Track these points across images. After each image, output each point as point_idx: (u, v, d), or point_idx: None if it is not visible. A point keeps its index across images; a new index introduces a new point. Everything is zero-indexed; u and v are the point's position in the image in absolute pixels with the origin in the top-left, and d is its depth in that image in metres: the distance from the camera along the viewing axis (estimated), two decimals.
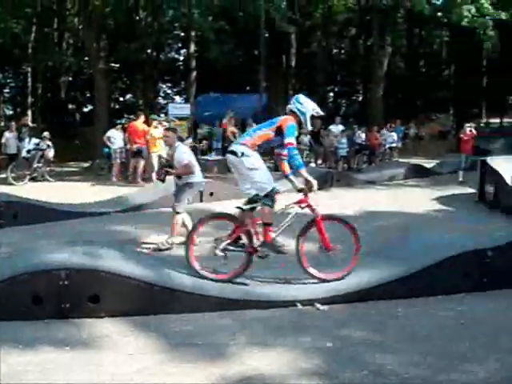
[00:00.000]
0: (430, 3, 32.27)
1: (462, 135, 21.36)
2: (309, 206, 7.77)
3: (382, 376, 5.19)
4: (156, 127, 19.17)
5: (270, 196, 7.53)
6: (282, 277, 7.66)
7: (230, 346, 5.82)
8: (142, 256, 7.96)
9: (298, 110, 7.56)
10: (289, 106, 7.70)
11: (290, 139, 7.33)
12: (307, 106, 7.62)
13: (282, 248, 7.55)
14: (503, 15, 32.98)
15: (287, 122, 7.39)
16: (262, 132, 7.46)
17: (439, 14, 39.41)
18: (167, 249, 9.89)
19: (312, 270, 7.39)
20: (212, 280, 7.06)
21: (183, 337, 6.02)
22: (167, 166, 10.34)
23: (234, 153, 7.38)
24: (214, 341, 5.93)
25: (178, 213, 10.03)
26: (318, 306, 6.89)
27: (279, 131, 7.35)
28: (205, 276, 7.07)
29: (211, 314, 6.64)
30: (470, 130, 20.84)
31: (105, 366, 5.32)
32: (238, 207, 7.70)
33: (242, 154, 7.29)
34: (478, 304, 7.34)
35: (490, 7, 32.51)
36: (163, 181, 10.32)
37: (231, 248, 7.39)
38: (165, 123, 19.54)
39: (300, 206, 7.80)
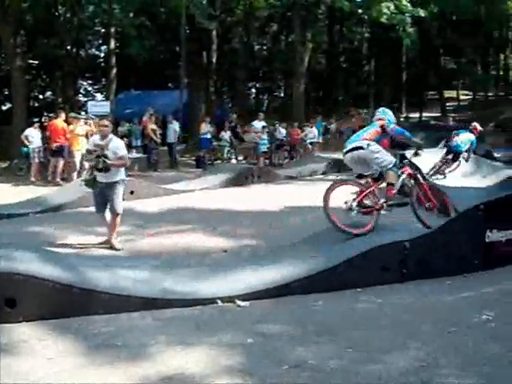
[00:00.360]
0: (350, 0, 32.65)
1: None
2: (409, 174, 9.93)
3: (303, 370, 5.19)
4: (81, 125, 18.86)
5: (394, 165, 9.53)
6: (202, 274, 7.64)
7: (151, 346, 5.73)
8: (60, 257, 7.79)
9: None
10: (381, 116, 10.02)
11: (394, 124, 9.94)
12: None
13: (403, 200, 9.68)
14: (422, 12, 33.81)
15: (384, 121, 9.74)
16: (373, 130, 9.60)
17: (359, 10, 40.05)
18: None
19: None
20: (357, 235, 8.47)
21: (103, 338, 5.90)
22: (102, 155, 9.98)
23: (359, 148, 9.33)
24: (134, 341, 5.83)
25: (118, 214, 9.89)
26: (239, 302, 6.88)
27: (383, 129, 9.58)
28: (348, 231, 8.53)
29: (131, 315, 6.53)
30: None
31: (23, 371, 5.15)
32: (360, 175, 9.80)
33: (368, 145, 9.24)
34: (396, 295, 7.46)
35: (408, 4, 33.27)
36: (102, 169, 10.04)
37: (365, 204, 9.22)
38: (90, 121, 19.22)
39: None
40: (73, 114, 21.28)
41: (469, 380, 4.99)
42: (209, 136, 24.59)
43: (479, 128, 19.41)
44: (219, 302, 6.87)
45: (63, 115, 19.87)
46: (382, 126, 9.71)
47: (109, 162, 9.89)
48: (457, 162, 18.29)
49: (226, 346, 5.75)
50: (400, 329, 6.26)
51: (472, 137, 18.80)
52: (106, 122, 10.57)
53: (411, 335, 6.05)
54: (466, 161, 18.64)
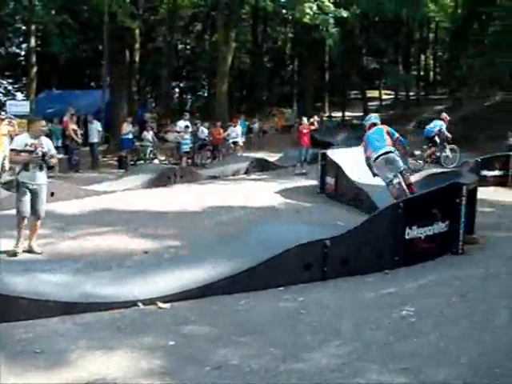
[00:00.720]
0: (273, 0, 32.87)
1: (300, 128, 21.97)
2: None
3: (224, 371, 5.19)
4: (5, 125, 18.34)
5: (406, 170, 11.63)
6: (123, 276, 7.56)
7: (72, 351, 5.61)
8: None
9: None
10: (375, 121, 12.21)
11: (397, 134, 12.05)
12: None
13: None
14: (344, 13, 34.30)
15: (387, 128, 11.83)
16: (389, 138, 11.51)
17: (283, 10, 40.39)
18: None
19: None
20: None
21: (22, 345, 5.74)
22: (44, 154, 9.57)
23: (389, 152, 11.27)
24: (54, 347, 5.69)
25: (41, 217, 9.66)
26: (160, 304, 6.83)
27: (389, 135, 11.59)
28: None
29: (51, 320, 6.36)
30: (312, 123, 21.49)
31: None
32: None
33: (394, 150, 11.38)
34: (318, 293, 7.53)
35: (331, 5, 33.75)
36: (50, 168, 9.74)
37: None
38: (13, 121, 18.71)
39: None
40: None
41: (390, 375, 5.09)
42: (130, 136, 24.21)
43: (448, 117, 21.98)
44: (140, 304, 6.79)
45: None
46: (387, 133, 11.63)
47: (52, 160, 9.71)
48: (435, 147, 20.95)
49: (147, 348, 5.69)
50: (322, 327, 6.33)
51: (441, 122, 21.34)
52: (43, 123, 10.30)
53: (333, 333, 6.13)
54: (444, 141, 20.94)
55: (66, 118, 22.53)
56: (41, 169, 9.55)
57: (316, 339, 5.99)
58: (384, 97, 59.32)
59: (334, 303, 7.14)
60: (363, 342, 5.91)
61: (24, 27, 43.90)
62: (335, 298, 7.36)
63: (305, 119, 22.79)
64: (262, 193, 16.64)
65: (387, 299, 7.33)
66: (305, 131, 21.67)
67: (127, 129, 24.18)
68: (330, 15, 33.97)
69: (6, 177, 9.83)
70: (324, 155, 16.90)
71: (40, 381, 5.02)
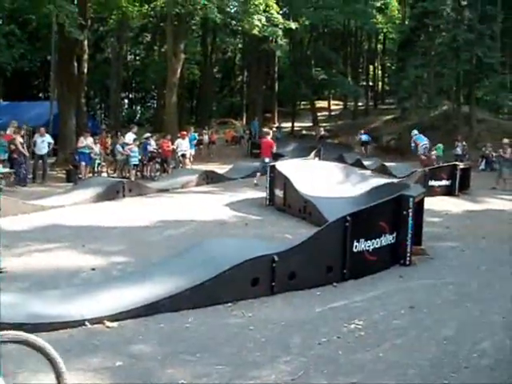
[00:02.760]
0: (222, 12, 32.96)
1: (264, 139, 21.95)
2: None
3: None
4: None
5: None
6: (70, 295, 7.49)
7: (17, 374, 5.54)
8: None
9: None
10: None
11: None
12: None
13: None
14: (293, 25, 34.63)
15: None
16: None
17: (233, 22, 40.52)
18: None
19: None
20: None
21: None
22: None
23: None
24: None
25: None
26: (108, 323, 6.77)
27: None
28: None
29: None
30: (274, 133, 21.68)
31: None
32: None
33: None
34: (267, 309, 7.58)
35: (279, 17, 34.00)
36: None
37: None
38: None
39: None
40: None
41: None
42: (87, 150, 23.59)
43: None
44: (88, 323, 6.72)
45: None
46: None
47: None
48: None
49: (94, 370, 5.64)
50: (270, 343, 6.37)
51: None
52: None
53: (282, 349, 6.17)
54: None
55: (8, 132, 22.10)
56: None
57: (265, 355, 6.02)
58: (333, 107, 59.93)
59: (283, 318, 7.18)
60: (312, 356, 5.97)
61: None
62: (284, 313, 7.40)
63: (274, 129, 22.91)
64: (212, 206, 16.65)
65: (336, 313, 7.42)
66: (267, 141, 21.65)
67: (84, 142, 23.64)
68: (279, 27, 34.25)
69: None
70: (273, 167, 16.98)
71: None
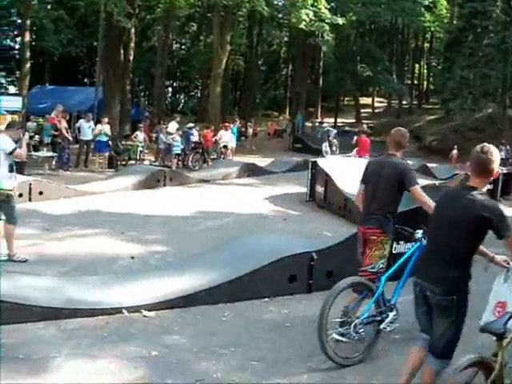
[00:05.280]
0: (269, 5, 32.87)
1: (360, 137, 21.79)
2: None
3: (207, 383, 5.20)
4: None
5: None
6: (109, 282, 7.54)
7: (54, 358, 5.60)
8: None
9: None
10: None
11: None
12: None
13: None
14: (340, 20, 34.36)
15: None
16: None
17: (279, 15, 40.39)
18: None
19: None
20: None
21: (5, 351, 5.70)
22: None
23: None
24: (37, 354, 5.67)
25: None
26: (145, 312, 6.82)
27: None
28: None
29: (35, 325, 6.34)
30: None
31: None
32: None
33: None
34: (303, 306, 7.55)
35: (327, 12, 33.75)
36: None
37: None
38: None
39: None
40: None
41: None
42: (104, 139, 22.72)
43: None
44: (125, 312, 6.78)
45: None
46: None
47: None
48: None
49: (130, 358, 5.69)
50: (305, 341, 6.33)
51: None
52: None
53: (316, 347, 6.11)
54: None
55: (52, 115, 22.24)
56: None
57: (299, 353, 6.00)
58: (377, 104, 59.51)
59: None
60: None
61: (19, 21, 43.71)
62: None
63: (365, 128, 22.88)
64: (251, 199, 16.62)
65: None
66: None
67: (99, 128, 22.82)
68: (326, 22, 34.06)
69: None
70: (314, 163, 16.90)
71: None
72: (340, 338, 5.75)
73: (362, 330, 5.84)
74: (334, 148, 30.38)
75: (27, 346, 5.84)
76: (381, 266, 6.41)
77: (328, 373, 5.54)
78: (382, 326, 5.99)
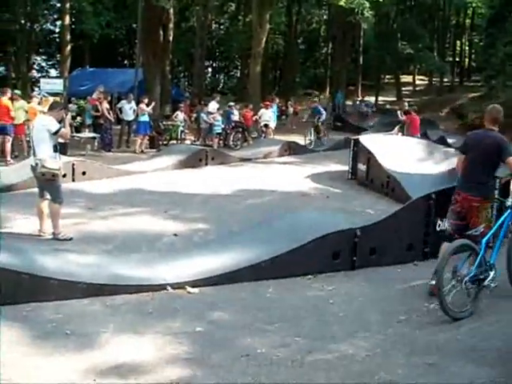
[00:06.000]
0: None
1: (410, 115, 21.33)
2: None
3: (251, 359, 5.19)
4: (40, 103, 18.46)
5: None
6: (152, 259, 7.60)
7: (100, 333, 5.66)
8: (8, 242, 7.63)
9: None
10: None
11: None
12: None
13: None
14: None
15: None
16: None
17: None
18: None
19: None
20: None
21: (52, 326, 5.80)
22: None
23: None
24: (84, 329, 5.75)
25: None
26: (189, 289, 6.85)
27: None
28: None
29: (81, 301, 6.43)
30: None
31: None
32: None
33: None
34: (347, 283, 7.53)
35: None
36: None
37: None
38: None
39: None
40: (17, 92, 20.79)
41: (415, 370, 5.04)
42: (146, 119, 22.48)
43: None
44: (169, 288, 6.82)
45: (9, 93, 19.35)
46: None
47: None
48: None
49: (174, 334, 5.72)
50: (349, 318, 6.33)
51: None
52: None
53: (360, 324, 6.11)
54: None
55: (94, 96, 22.40)
56: None
57: (343, 330, 5.98)
58: (418, 82, 58.84)
59: (363, 294, 7.12)
60: (390, 334, 5.89)
61: (59, 4, 44.04)
62: (363, 289, 7.33)
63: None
64: (293, 177, 16.57)
65: (416, 292, 7.27)
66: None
67: (143, 108, 22.56)
68: None
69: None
70: (356, 141, 16.78)
71: (70, 361, 5.07)
72: (453, 293, 6.23)
73: (470, 287, 6.39)
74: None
75: (74, 322, 5.91)
76: (482, 229, 6.96)
77: (373, 349, 5.48)
78: (485, 283, 6.54)
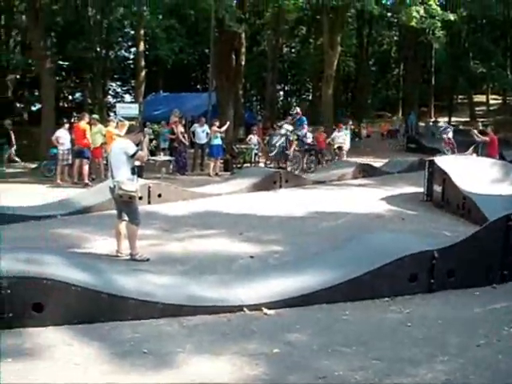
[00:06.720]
0: (379, 3, 32.52)
1: (488, 136, 20.98)
2: None
3: (329, 381, 5.16)
4: (116, 127, 18.89)
5: None
6: (229, 281, 7.64)
7: (177, 353, 5.72)
8: (88, 262, 7.81)
9: None
10: None
11: None
12: None
13: None
14: (451, 16, 33.50)
15: None
16: None
17: (389, 14, 39.89)
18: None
19: None
20: None
21: (130, 345, 5.89)
22: None
23: None
24: (160, 349, 5.82)
25: None
26: (265, 310, 6.85)
27: None
28: None
29: (158, 321, 6.52)
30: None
31: (49, 377, 5.15)
32: None
33: None
34: (425, 306, 7.40)
35: (438, 8, 33.01)
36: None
37: None
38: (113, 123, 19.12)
39: None
40: (95, 116, 21.33)
41: None
42: (219, 142, 22.68)
43: None
44: (246, 309, 6.85)
45: (87, 118, 19.92)
46: None
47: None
48: None
49: (251, 355, 5.72)
50: (428, 341, 6.20)
51: None
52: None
53: (439, 348, 5.99)
54: None
55: (172, 120, 22.79)
56: None
57: (422, 353, 5.87)
58: (491, 101, 57.85)
59: (441, 317, 6.98)
60: (470, 358, 5.75)
61: (132, 32, 45.09)
62: (441, 312, 7.19)
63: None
64: (367, 199, 16.42)
65: (495, 315, 7.12)
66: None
67: (217, 130, 22.65)
68: (437, 18, 33.33)
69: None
70: (431, 162, 16.56)
71: (148, 381, 5.14)
72: None
73: None
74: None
75: (151, 342, 5.99)
76: None
77: (452, 373, 5.37)
78: None
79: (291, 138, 19.51)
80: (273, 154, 22.86)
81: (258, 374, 5.30)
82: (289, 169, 23.01)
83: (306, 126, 19.35)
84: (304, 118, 20.35)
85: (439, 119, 47.47)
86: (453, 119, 50.05)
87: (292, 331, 6.39)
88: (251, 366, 5.48)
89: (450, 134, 27.34)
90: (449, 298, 7.74)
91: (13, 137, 24.82)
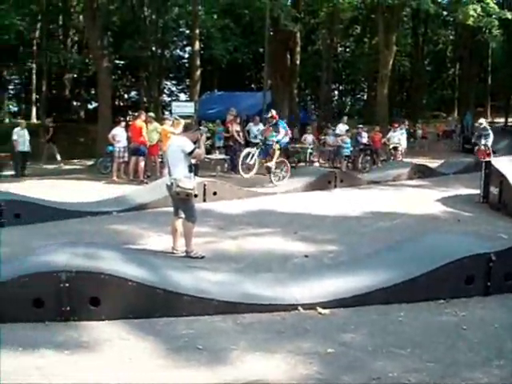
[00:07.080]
0: (435, 2, 32.16)
1: None
2: None
3: (382, 382, 5.15)
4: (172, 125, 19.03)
5: None
6: (284, 279, 7.65)
7: (231, 350, 5.79)
8: (144, 258, 7.91)
9: None
10: None
11: None
12: None
13: None
14: (509, 15, 32.91)
15: None
16: None
17: (444, 12, 39.41)
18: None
19: None
20: None
21: (184, 341, 5.98)
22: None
23: None
24: (215, 345, 5.89)
25: None
26: (320, 310, 6.85)
27: None
28: None
29: (212, 318, 6.59)
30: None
31: (104, 370, 5.28)
32: None
33: None
34: (480, 309, 7.28)
35: (495, 6, 32.52)
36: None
37: None
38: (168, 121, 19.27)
39: None
40: (151, 114, 21.55)
41: None
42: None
43: None
44: (300, 308, 6.85)
45: (143, 116, 20.17)
46: None
47: None
48: None
49: (305, 354, 5.74)
50: (484, 344, 6.13)
51: None
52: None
53: (495, 352, 5.91)
54: None
55: (229, 119, 22.88)
56: None
57: (477, 357, 5.81)
58: None
59: (497, 320, 6.87)
60: None
61: (188, 31, 45.46)
62: (498, 316, 7.07)
63: None
64: (423, 200, 16.24)
65: None
66: None
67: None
68: (494, 17, 32.78)
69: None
70: (488, 163, 16.30)
71: (202, 376, 5.22)
72: None
73: None
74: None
75: (206, 338, 6.07)
76: None
77: (508, 378, 5.30)
78: None
79: (274, 148, 18.50)
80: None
81: (311, 374, 5.32)
82: (343, 169, 22.93)
83: (283, 130, 18.32)
84: (281, 122, 19.20)
85: (496, 120, 46.71)
86: (510, 120, 49.21)
87: (347, 331, 6.38)
88: (305, 365, 5.50)
89: (490, 140, 24.74)
90: (505, 302, 7.60)
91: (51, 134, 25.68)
